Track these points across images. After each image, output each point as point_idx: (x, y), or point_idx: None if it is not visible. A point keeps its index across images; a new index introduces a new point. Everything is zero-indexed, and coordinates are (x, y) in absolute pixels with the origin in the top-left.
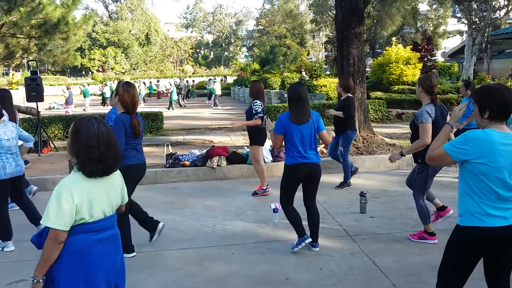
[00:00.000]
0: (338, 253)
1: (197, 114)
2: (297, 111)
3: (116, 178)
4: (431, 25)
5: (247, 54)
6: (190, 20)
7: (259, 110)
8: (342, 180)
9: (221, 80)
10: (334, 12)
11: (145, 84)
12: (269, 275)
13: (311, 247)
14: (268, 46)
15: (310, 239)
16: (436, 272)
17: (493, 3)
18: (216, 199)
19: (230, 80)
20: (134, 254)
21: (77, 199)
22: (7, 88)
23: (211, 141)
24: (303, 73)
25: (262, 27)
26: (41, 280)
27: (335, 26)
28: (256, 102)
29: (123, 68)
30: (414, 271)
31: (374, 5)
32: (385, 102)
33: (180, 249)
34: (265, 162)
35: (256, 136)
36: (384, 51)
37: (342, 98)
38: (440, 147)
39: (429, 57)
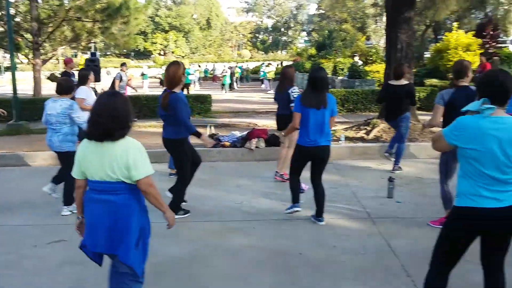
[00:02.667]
0: (356, 233)
1: (247, 98)
2: (308, 95)
3: (120, 149)
4: (501, 10)
5: (306, 38)
6: (251, 4)
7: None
8: (397, 165)
9: (278, 65)
10: None
11: (199, 66)
12: (284, 249)
13: (316, 221)
14: (326, 31)
15: (299, 208)
16: None
17: None
18: (249, 178)
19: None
20: (180, 216)
21: (78, 154)
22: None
23: (256, 124)
24: (356, 58)
25: (323, 11)
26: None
27: (385, 10)
28: (295, 89)
29: (183, 52)
30: (425, 254)
31: None
32: (439, 90)
33: (205, 222)
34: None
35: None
36: (442, 37)
37: (403, 84)
38: (441, 130)
39: (493, 44)
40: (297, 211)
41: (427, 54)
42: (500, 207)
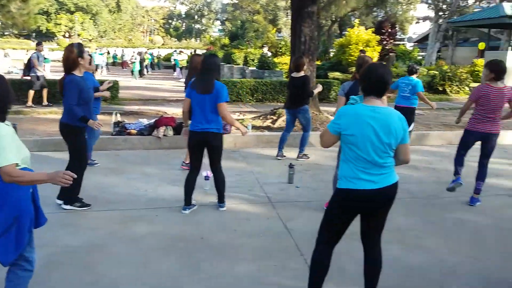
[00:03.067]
0: (256, 217)
1: (158, 86)
2: (198, 80)
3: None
4: (400, 9)
5: (220, 28)
6: None
7: None
8: (301, 152)
9: (191, 53)
10: None
11: (108, 53)
12: (186, 235)
13: (219, 207)
14: (239, 21)
15: (195, 207)
16: None
17: None
18: (156, 166)
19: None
20: (75, 208)
21: None
22: None
23: (165, 112)
24: (265, 49)
25: (236, 1)
26: None
27: (290, 3)
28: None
29: (90, 35)
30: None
31: None
32: (340, 83)
33: (107, 211)
34: None
35: None
36: (346, 32)
37: (300, 76)
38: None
39: (391, 41)
40: (192, 208)
41: (333, 49)
42: (376, 188)
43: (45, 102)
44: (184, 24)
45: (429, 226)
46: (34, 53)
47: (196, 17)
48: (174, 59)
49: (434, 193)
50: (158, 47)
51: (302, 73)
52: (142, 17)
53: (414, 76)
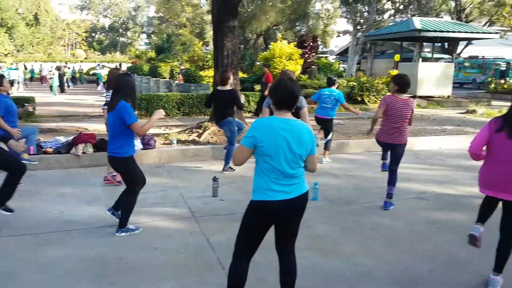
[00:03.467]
0: (178, 233)
1: (80, 101)
2: (110, 98)
3: None
4: (321, 24)
5: (146, 41)
6: (85, 1)
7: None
8: (226, 165)
9: (116, 67)
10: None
11: (26, 68)
12: (104, 256)
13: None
14: (165, 35)
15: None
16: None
17: (377, 6)
18: (73, 186)
19: (125, 67)
20: None
21: None
22: None
23: (86, 129)
24: (182, 65)
25: (162, 15)
26: None
27: (211, 18)
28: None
29: (5, 49)
30: None
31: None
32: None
33: (18, 236)
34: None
35: None
36: (270, 46)
37: (226, 90)
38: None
39: (313, 54)
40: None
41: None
42: (288, 198)
43: None
44: (108, 37)
45: (347, 232)
46: None
47: (120, 30)
48: (96, 73)
49: (352, 199)
50: (81, 61)
51: (228, 87)
52: (62, 30)
53: (334, 87)
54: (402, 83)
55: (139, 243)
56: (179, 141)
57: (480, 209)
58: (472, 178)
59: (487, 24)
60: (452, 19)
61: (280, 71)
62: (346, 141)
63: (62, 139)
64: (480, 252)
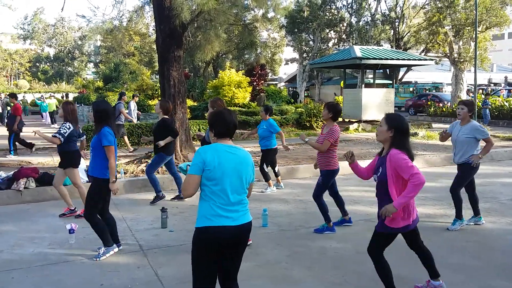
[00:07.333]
0: (125, 267)
1: (24, 133)
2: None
3: None
4: (269, 52)
5: (94, 70)
6: (28, 31)
7: (62, 132)
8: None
9: (62, 97)
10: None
11: None
12: None
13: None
14: (113, 64)
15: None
16: None
17: (321, 35)
18: (14, 223)
19: (71, 97)
20: None
21: None
22: None
23: (30, 162)
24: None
25: (109, 44)
26: None
27: (156, 48)
28: (65, 124)
29: None
30: (189, 278)
31: (193, 30)
32: None
33: None
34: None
35: (69, 159)
36: (219, 75)
37: (159, 120)
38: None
39: (261, 82)
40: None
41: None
42: (234, 225)
43: None
44: (53, 67)
45: (296, 257)
46: None
47: (66, 59)
48: (39, 103)
49: (301, 224)
50: (24, 92)
51: (161, 116)
52: (5, 61)
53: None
54: (336, 111)
55: (84, 281)
56: (126, 172)
57: None
58: (416, 198)
59: (424, 51)
60: (391, 47)
61: (229, 99)
62: (296, 167)
63: (2, 174)
64: (422, 269)
